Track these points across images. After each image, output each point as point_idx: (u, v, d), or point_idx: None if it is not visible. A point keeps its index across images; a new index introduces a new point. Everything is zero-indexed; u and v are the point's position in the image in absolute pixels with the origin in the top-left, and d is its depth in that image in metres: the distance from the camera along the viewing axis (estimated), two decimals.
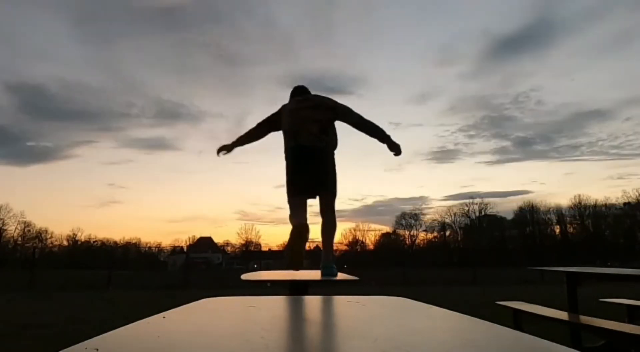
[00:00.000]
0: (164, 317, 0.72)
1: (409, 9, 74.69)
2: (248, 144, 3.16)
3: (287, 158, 2.83)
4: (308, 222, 2.70)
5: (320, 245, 2.80)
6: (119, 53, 73.28)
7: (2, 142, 68.44)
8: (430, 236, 62.21)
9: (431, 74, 77.01)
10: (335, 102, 2.92)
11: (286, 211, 2.81)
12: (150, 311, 0.78)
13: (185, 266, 17.74)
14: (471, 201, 60.65)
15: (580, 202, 55.67)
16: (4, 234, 53.25)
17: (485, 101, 72.43)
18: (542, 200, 67.22)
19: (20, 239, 54.93)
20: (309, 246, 2.96)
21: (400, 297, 1.04)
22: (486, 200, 60.97)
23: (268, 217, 73.54)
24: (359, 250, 57.90)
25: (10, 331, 4.33)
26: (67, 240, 59.42)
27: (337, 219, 2.83)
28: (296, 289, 2.26)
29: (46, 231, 57.30)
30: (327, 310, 0.94)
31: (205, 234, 65.09)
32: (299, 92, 3.09)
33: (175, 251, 47.49)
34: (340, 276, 2.57)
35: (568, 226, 57.42)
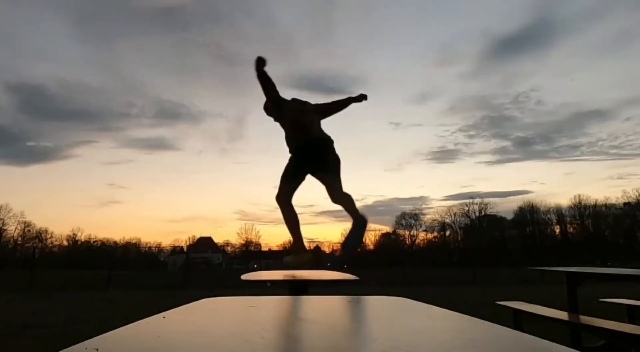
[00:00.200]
0: (164, 317, 0.72)
1: (409, 9, 74.84)
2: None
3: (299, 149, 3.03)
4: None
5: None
6: (119, 53, 73.54)
7: (2, 142, 68.54)
8: (430, 236, 62.29)
9: (431, 74, 77.20)
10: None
11: None
12: (150, 311, 0.78)
13: (185, 266, 17.73)
14: (471, 201, 60.74)
15: (580, 202, 55.76)
16: (4, 234, 53.29)
17: (485, 101, 72.53)
18: (542, 200, 67.31)
19: (20, 239, 55.02)
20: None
21: (400, 297, 1.04)
22: (486, 200, 61.06)
23: (268, 217, 73.53)
24: (359, 250, 57.83)
25: (10, 331, 4.33)
26: (67, 240, 59.53)
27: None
28: (296, 289, 2.27)
29: (46, 231, 57.42)
30: (327, 310, 0.94)
31: (205, 234, 65.22)
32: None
33: (175, 251, 47.54)
34: (340, 275, 2.57)
35: (568, 226, 57.48)
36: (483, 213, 60.20)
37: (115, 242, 58.94)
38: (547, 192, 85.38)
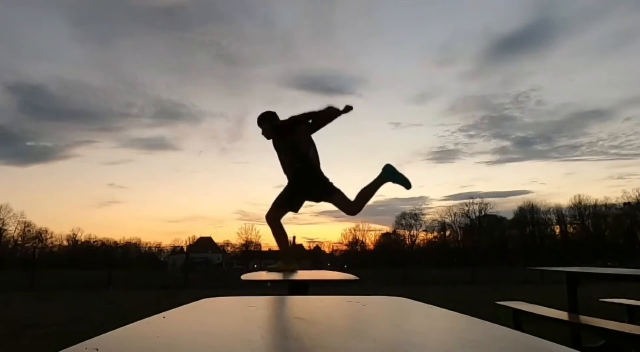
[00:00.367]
0: (164, 317, 0.72)
1: (409, 9, 74.63)
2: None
3: (302, 175, 3.06)
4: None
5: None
6: (119, 53, 73.13)
7: (2, 142, 68.29)
8: (430, 235, 62.23)
9: (431, 74, 76.97)
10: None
11: None
12: (150, 311, 0.78)
13: (185, 266, 17.75)
14: (471, 201, 60.64)
15: (580, 202, 55.70)
16: (4, 234, 53.23)
17: (485, 101, 72.40)
18: (542, 200, 67.08)
19: (20, 239, 54.93)
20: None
21: (400, 297, 1.04)
22: (486, 200, 60.89)
23: None
24: (359, 250, 57.90)
25: (10, 331, 4.33)
26: (67, 240, 59.39)
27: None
28: (296, 289, 2.27)
29: (46, 231, 57.28)
30: (327, 310, 0.94)
31: (205, 234, 65.12)
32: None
33: (175, 251, 47.46)
34: (340, 275, 2.58)
35: (568, 226, 57.43)
36: (483, 213, 60.18)
37: (115, 242, 58.84)
38: (547, 192, 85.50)
